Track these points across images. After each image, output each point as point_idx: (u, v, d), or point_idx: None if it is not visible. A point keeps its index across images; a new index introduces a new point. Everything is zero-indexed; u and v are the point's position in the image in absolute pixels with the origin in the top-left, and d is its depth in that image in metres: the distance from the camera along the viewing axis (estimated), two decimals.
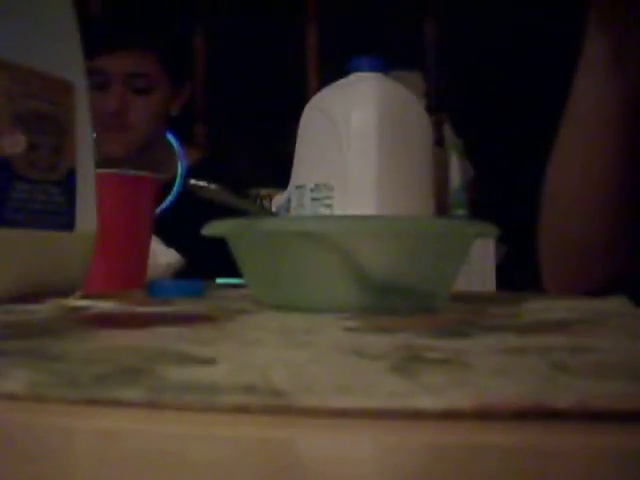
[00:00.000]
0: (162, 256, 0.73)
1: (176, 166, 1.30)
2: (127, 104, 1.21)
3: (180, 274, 0.76)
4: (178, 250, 0.76)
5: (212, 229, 0.45)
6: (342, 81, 0.70)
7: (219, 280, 0.83)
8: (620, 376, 0.22)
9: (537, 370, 0.23)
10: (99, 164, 0.52)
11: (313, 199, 0.66)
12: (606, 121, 0.61)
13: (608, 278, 0.64)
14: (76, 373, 0.22)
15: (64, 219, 0.49)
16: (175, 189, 1.23)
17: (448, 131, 1.35)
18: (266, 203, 0.89)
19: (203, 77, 1.98)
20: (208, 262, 0.80)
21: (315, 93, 0.71)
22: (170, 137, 1.33)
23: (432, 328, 0.34)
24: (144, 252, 0.67)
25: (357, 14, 1.93)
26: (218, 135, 1.96)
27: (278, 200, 0.80)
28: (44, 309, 0.43)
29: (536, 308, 0.47)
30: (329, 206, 0.65)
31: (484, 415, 0.18)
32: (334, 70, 0.72)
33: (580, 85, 0.63)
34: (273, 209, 0.84)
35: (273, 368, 0.23)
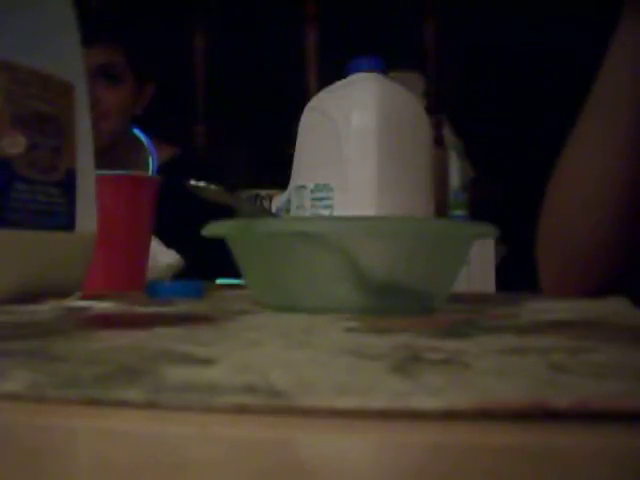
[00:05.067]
0: (162, 257, 0.73)
1: (145, 163, 1.31)
2: (96, 96, 1.22)
3: (180, 275, 0.76)
4: (178, 251, 0.76)
5: (212, 230, 0.45)
6: (342, 81, 0.70)
7: (219, 280, 0.83)
8: (620, 376, 0.22)
9: (537, 370, 0.23)
10: None
11: (313, 200, 0.66)
12: (635, 106, 0.60)
13: (609, 280, 0.63)
14: (76, 373, 0.22)
15: (64, 219, 0.49)
16: None
17: (448, 131, 1.35)
18: (266, 204, 0.89)
19: (203, 77, 1.98)
20: (208, 262, 0.80)
21: (315, 93, 0.71)
22: (139, 134, 1.34)
23: (432, 328, 0.34)
24: (144, 253, 0.67)
25: (357, 14, 1.93)
26: (218, 135, 1.96)
27: (278, 201, 0.80)
28: (44, 309, 0.43)
29: (536, 308, 0.47)
30: (329, 207, 0.65)
31: (484, 415, 0.18)
32: (334, 70, 0.72)
33: (610, 71, 0.62)
34: (273, 210, 0.84)
35: (273, 368, 0.23)
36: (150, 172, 1.29)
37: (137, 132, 1.34)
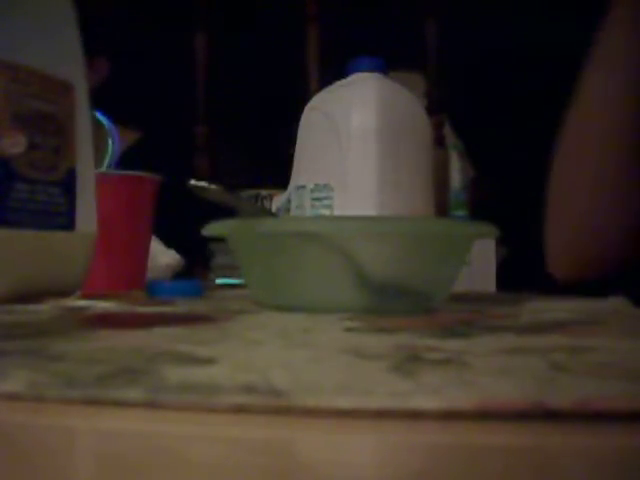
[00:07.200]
0: (162, 256, 0.73)
1: (105, 146, 1.30)
2: None
3: (180, 274, 0.76)
4: (178, 251, 0.76)
5: (212, 230, 0.45)
6: (342, 81, 0.70)
7: (219, 280, 0.83)
8: (620, 376, 0.22)
9: (537, 370, 0.23)
10: None
11: (313, 199, 0.66)
12: (623, 111, 0.60)
13: (615, 269, 0.63)
14: (76, 373, 0.22)
15: (64, 219, 0.49)
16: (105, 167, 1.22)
17: (448, 131, 1.34)
18: (266, 204, 0.89)
19: (203, 77, 1.98)
20: (208, 262, 0.79)
21: (315, 93, 0.71)
22: (100, 116, 1.33)
23: (432, 328, 0.34)
24: (144, 252, 0.67)
25: (357, 14, 1.93)
26: (218, 135, 1.96)
27: (278, 201, 0.80)
28: (44, 309, 0.43)
29: (536, 308, 0.47)
30: (329, 206, 0.65)
31: (484, 415, 0.18)
32: (334, 70, 0.72)
33: (595, 75, 0.61)
34: (273, 209, 0.84)
35: (273, 368, 0.23)
36: (110, 155, 1.27)
37: (98, 115, 1.33)
